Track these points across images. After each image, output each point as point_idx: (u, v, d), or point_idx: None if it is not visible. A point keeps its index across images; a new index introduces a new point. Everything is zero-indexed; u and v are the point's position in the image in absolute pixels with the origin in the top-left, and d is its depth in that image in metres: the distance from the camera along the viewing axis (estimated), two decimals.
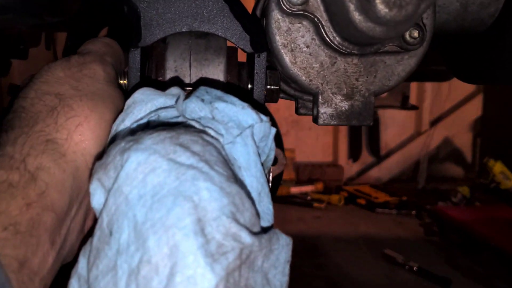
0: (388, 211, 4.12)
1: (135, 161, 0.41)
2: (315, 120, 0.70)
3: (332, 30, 0.62)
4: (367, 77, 0.67)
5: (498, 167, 3.97)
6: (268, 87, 0.69)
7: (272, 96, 0.70)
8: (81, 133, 0.53)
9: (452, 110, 4.81)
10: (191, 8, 0.64)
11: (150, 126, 0.51)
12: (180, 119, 0.51)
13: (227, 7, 0.65)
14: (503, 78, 0.77)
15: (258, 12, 0.85)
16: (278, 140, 0.98)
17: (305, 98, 0.86)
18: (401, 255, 3.11)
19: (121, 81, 0.67)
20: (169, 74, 0.66)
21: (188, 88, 0.60)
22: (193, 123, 0.49)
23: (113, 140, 0.53)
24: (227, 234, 0.38)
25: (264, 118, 0.52)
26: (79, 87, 0.57)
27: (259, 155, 0.52)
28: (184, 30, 0.65)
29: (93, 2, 1.68)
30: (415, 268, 2.98)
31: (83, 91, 0.57)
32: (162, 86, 0.64)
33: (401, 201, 4.22)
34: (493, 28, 0.74)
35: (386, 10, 0.50)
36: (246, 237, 0.39)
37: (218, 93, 0.52)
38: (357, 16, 0.53)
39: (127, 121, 0.54)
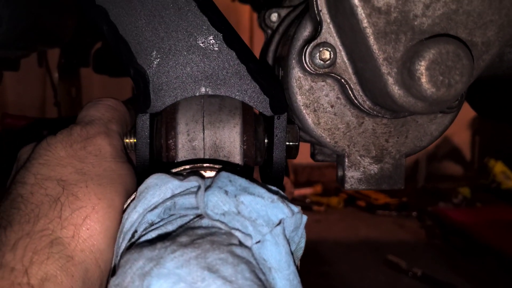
0: (389, 213, 4.08)
1: None
2: (341, 183, 0.64)
3: (362, 94, 0.56)
4: (398, 137, 0.61)
5: (498, 167, 3.94)
6: (287, 143, 0.63)
7: (291, 153, 0.65)
8: (89, 227, 0.47)
9: None
10: (204, 70, 0.58)
11: (169, 220, 0.45)
12: (200, 211, 0.46)
13: (244, 68, 0.59)
14: None
15: (270, 54, 0.79)
16: (296, 154, 0.92)
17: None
18: (404, 260, 3.07)
19: (128, 140, 0.61)
20: (180, 138, 0.60)
21: (207, 165, 0.54)
22: (218, 224, 0.43)
23: (126, 232, 0.48)
24: None
25: (295, 209, 0.46)
26: (84, 169, 0.51)
27: (291, 251, 0.46)
28: (198, 95, 0.59)
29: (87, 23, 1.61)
30: (419, 274, 2.94)
31: (88, 174, 0.51)
32: (172, 165, 0.58)
33: (401, 202, 4.18)
34: None
35: (433, 90, 0.44)
36: None
37: (243, 182, 0.46)
38: (397, 91, 0.47)
39: (139, 208, 0.49)
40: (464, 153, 4.94)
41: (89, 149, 0.53)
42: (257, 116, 0.66)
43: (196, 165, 0.53)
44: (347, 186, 0.63)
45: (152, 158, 0.61)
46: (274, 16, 0.82)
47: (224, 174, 0.48)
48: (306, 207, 4.21)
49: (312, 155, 0.85)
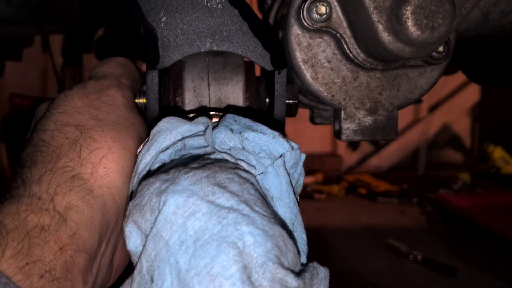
0: (390, 200, 4.13)
1: (174, 204, 0.40)
2: (338, 135, 0.69)
3: (356, 47, 0.61)
4: (390, 91, 0.66)
5: (498, 152, 3.98)
6: (287, 101, 0.68)
7: (291, 111, 0.69)
8: (105, 165, 0.52)
9: (449, 96, 4.81)
10: (209, 27, 0.63)
11: (181, 159, 0.50)
12: (208, 149, 0.50)
13: (246, 25, 0.63)
14: None
15: (271, 20, 0.83)
16: (295, 112, 0.97)
17: (320, 107, 0.85)
18: (405, 244, 3.12)
19: (138, 100, 0.66)
20: (187, 95, 0.65)
21: (213, 113, 0.58)
22: (225, 156, 0.47)
23: (141, 173, 0.52)
24: (274, 280, 0.37)
25: (295, 145, 0.51)
26: (99, 116, 0.55)
27: (291, 183, 0.51)
28: (203, 51, 0.63)
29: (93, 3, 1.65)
30: (419, 258, 2.99)
31: (104, 120, 0.55)
32: (182, 112, 0.62)
33: (402, 190, 4.22)
34: None
35: (419, 32, 0.48)
36: (293, 281, 0.38)
37: (247, 121, 0.51)
38: (386, 37, 0.52)
39: (152, 150, 0.53)
40: (464, 141, 4.98)
41: (104, 99, 0.57)
42: (259, 76, 0.70)
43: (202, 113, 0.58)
44: (343, 137, 0.67)
45: (161, 114, 0.65)
46: None
47: (229, 115, 0.52)
48: (307, 196, 4.26)
49: (311, 119, 0.89)
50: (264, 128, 0.50)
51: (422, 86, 0.66)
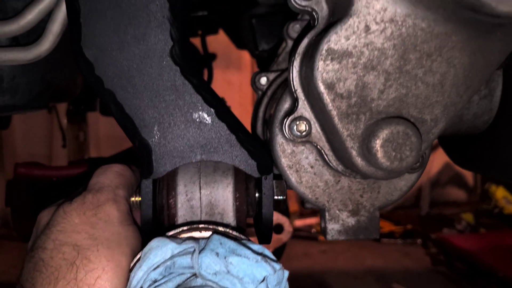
0: (394, 241, 4.12)
1: None
2: (323, 234, 0.72)
3: (335, 159, 0.65)
4: (371, 193, 0.70)
5: (500, 192, 3.99)
6: (276, 197, 0.72)
7: (279, 205, 0.73)
8: (99, 286, 0.56)
9: None
10: (199, 140, 0.67)
11: (169, 282, 0.54)
12: (195, 271, 0.54)
13: (234, 137, 0.68)
14: (499, 173, 0.80)
15: (259, 119, 0.88)
16: (285, 209, 1.01)
17: None
18: None
19: (134, 199, 0.70)
20: (179, 198, 0.69)
21: (202, 226, 0.62)
22: (210, 283, 0.51)
23: None
24: None
25: (277, 266, 0.55)
26: (95, 234, 0.60)
27: None
28: (194, 161, 0.68)
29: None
30: None
31: (99, 239, 0.59)
32: (173, 226, 0.67)
33: (406, 230, 4.21)
34: (488, 131, 0.77)
35: (388, 163, 0.53)
36: None
37: (232, 245, 0.55)
38: (359, 161, 0.56)
39: (144, 266, 0.57)
40: (467, 179, 4.99)
41: (100, 215, 0.62)
42: (248, 174, 0.74)
43: (192, 226, 0.62)
44: (328, 237, 0.71)
45: (155, 216, 0.69)
46: (263, 80, 0.92)
47: (215, 237, 0.56)
48: (312, 238, 4.25)
49: (302, 203, 0.93)
50: (248, 252, 0.54)
51: (401, 188, 0.70)
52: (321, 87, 0.55)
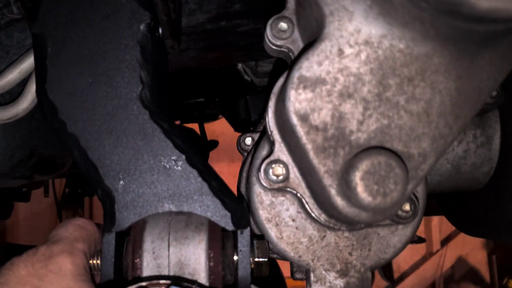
0: None
1: None
2: None
3: (316, 207, 0.58)
4: (361, 250, 0.62)
5: None
6: (256, 259, 0.63)
7: (261, 269, 0.64)
8: None
9: None
10: (168, 188, 0.61)
11: None
12: None
13: (206, 185, 0.62)
14: (506, 236, 0.72)
15: (243, 179, 0.82)
16: (281, 285, 0.89)
17: None
18: None
19: (93, 261, 0.62)
20: (145, 257, 0.61)
21: (161, 282, 0.54)
22: None
23: None
24: None
25: None
26: (41, 287, 0.52)
27: None
28: (161, 212, 0.61)
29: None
30: None
31: None
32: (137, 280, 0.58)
33: None
34: (490, 185, 0.70)
35: (370, 198, 0.46)
36: None
37: None
38: (339, 201, 0.49)
39: None
40: (483, 274, 4.72)
41: (50, 268, 0.54)
42: (227, 232, 0.67)
43: (152, 281, 0.54)
44: None
45: (118, 276, 0.61)
46: (248, 140, 0.87)
47: None
48: None
49: (292, 274, 0.84)
50: None
51: (394, 245, 0.62)
52: (294, 119, 0.50)
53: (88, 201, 2.34)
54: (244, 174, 0.84)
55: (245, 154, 0.90)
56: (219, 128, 2.27)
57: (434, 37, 0.45)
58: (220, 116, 2.25)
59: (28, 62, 0.84)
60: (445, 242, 4.69)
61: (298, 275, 0.82)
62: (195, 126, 2.15)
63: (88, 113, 0.61)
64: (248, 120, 1.53)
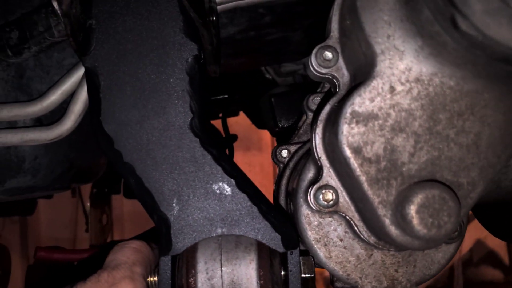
0: None
1: None
2: None
3: (366, 230, 0.61)
4: (407, 267, 0.64)
5: None
6: (303, 275, 0.67)
7: (308, 284, 0.68)
8: None
9: None
10: (220, 213, 0.64)
11: None
12: None
13: (256, 209, 0.64)
14: None
15: (282, 192, 0.85)
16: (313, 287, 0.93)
17: None
18: None
19: (151, 279, 0.66)
20: (200, 277, 0.64)
21: None
22: None
23: None
24: None
25: None
26: None
27: None
28: (214, 235, 0.64)
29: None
30: None
31: None
32: None
33: None
34: None
35: (425, 231, 0.48)
36: None
37: None
38: (393, 231, 0.52)
39: None
40: (502, 257, 4.73)
41: None
42: (272, 249, 0.70)
43: None
44: None
45: None
46: (284, 152, 0.90)
47: None
48: None
49: (331, 282, 0.87)
50: None
51: (439, 261, 0.64)
52: (347, 152, 0.52)
53: (116, 200, 2.39)
54: (283, 187, 0.87)
55: (281, 166, 0.92)
56: (233, 118, 2.29)
57: (485, 75, 0.47)
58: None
59: (70, 83, 0.87)
60: (460, 244, 4.69)
61: (338, 284, 0.85)
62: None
63: (143, 143, 0.64)
64: (274, 120, 1.55)
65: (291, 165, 0.86)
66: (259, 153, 4.67)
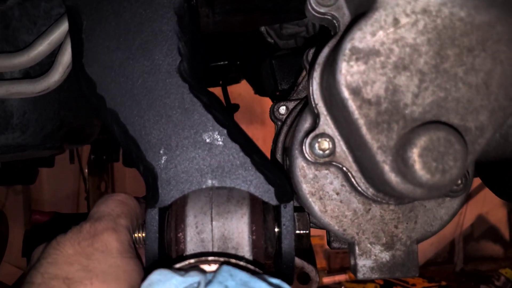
0: None
1: None
2: (354, 272, 0.63)
3: (364, 181, 0.57)
4: (407, 223, 0.61)
5: None
6: (297, 232, 0.63)
7: (302, 241, 0.64)
8: None
9: (482, 186, 4.65)
10: (210, 163, 0.60)
11: None
12: None
13: (248, 160, 0.60)
14: None
15: (279, 150, 0.81)
16: (310, 255, 0.90)
17: None
18: None
19: (137, 234, 0.63)
20: (189, 231, 0.61)
21: (211, 258, 0.54)
22: None
23: None
24: None
25: None
26: (89, 265, 0.52)
27: None
28: (204, 187, 0.61)
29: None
30: None
31: (94, 271, 0.52)
32: (180, 258, 0.58)
33: (440, 287, 3.96)
34: None
35: (428, 176, 0.44)
36: None
37: (244, 276, 0.46)
38: (393, 178, 0.48)
39: None
40: (502, 232, 4.73)
41: (96, 246, 0.54)
42: (267, 204, 0.66)
43: (201, 258, 0.54)
44: (360, 275, 0.61)
45: (162, 252, 0.61)
46: (282, 109, 0.85)
47: (225, 268, 0.48)
48: None
49: (328, 243, 0.83)
50: (263, 285, 0.45)
51: (441, 217, 0.61)
52: (345, 93, 0.48)
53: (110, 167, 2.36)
54: (280, 145, 0.83)
55: (279, 123, 0.88)
56: (237, 90, 2.24)
57: (499, 3, 0.42)
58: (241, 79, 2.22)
59: (58, 33, 0.82)
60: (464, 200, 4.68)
61: (335, 244, 0.82)
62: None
63: (127, 87, 0.60)
64: (274, 83, 1.50)
65: (288, 121, 0.82)
66: (262, 127, 4.63)
